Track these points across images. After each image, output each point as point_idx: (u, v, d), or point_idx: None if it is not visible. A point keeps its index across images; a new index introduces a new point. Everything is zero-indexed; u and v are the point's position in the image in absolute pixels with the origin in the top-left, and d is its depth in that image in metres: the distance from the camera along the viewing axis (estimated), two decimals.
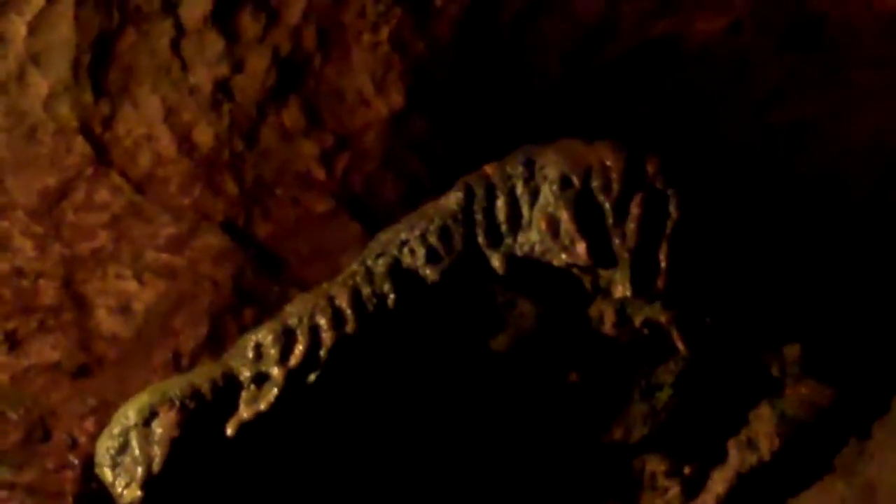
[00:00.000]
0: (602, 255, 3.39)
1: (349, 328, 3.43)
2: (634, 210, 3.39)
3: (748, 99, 3.75)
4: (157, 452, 3.33)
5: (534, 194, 3.46)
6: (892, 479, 3.20)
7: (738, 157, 3.70)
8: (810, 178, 3.70)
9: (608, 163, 3.43)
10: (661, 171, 3.41)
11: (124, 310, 3.76)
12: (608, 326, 3.44)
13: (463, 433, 3.53)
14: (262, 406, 3.38)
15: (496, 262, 3.46)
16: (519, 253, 3.47)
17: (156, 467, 3.32)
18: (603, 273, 3.40)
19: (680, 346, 3.39)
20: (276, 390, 3.38)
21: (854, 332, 3.46)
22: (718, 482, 3.41)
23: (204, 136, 3.72)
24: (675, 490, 3.45)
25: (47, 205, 3.72)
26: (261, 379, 3.41)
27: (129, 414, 3.39)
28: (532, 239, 3.45)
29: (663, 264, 3.36)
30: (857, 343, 3.45)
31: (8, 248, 3.72)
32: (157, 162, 3.73)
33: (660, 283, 3.36)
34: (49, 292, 3.74)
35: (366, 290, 3.47)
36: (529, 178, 3.48)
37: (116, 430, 3.39)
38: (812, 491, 3.31)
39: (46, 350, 3.75)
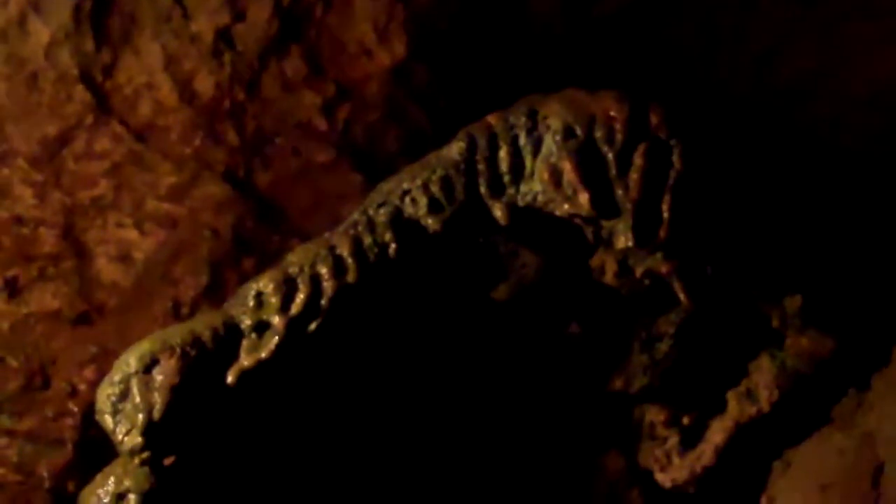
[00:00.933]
0: (605, 206, 3.39)
1: (350, 277, 3.43)
2: (638, 161, 3.38)
3: (748, 51, 3.74)
4: (158, 399, 3.33)
5: (537, 144, 3.45)
6: (891, 431, 3.21)
7: (739, 109, 3.70)
8: (810, 130, 3.69)
9: (612, 113, 3.42)
10: (664, 122, 3.40)
11: (124, 258, 3.75)
12: (610, 277, 3.45)
13: (463, 383, 3.54)
14: (263, 354, 3.38)
15: (498, 212, 3.46)
16: (521, 203, 3.47)
17: (156, 414, 3.33)
18: (605, 224, 3.40)
19: (681, 296, 3.39)
20: (276, 339, 3.38)
21: (854, 284, 3.47)
22: (717, 432, 3.42)
23: (205, 84, 3.70)
24: (674, 440, 3.46)
25: (48, 153, 3.71)
26: (262, 327, 3.41)
27: (130, 361, 3.39)
28: (534, 189, 3.45)
29: (666, 215, 3.36)
30: (857, 294, 3.45)
31: (8, 195, 3.71)
32: (158, 110, 3.71)
33: (662, 233, 3.36)
34: (49, 240, 3.73)
35: (367, 240, 3.47)
36: (532, 128, 3.48)
37: (117, 378, 3.39)
38: (811, 442, 3.33)
39: (47, 298, 3.73)
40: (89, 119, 3.70)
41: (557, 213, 3.42)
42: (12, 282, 3.74)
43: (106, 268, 3.75)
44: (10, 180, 3.71)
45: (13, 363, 3.73)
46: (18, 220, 3.73)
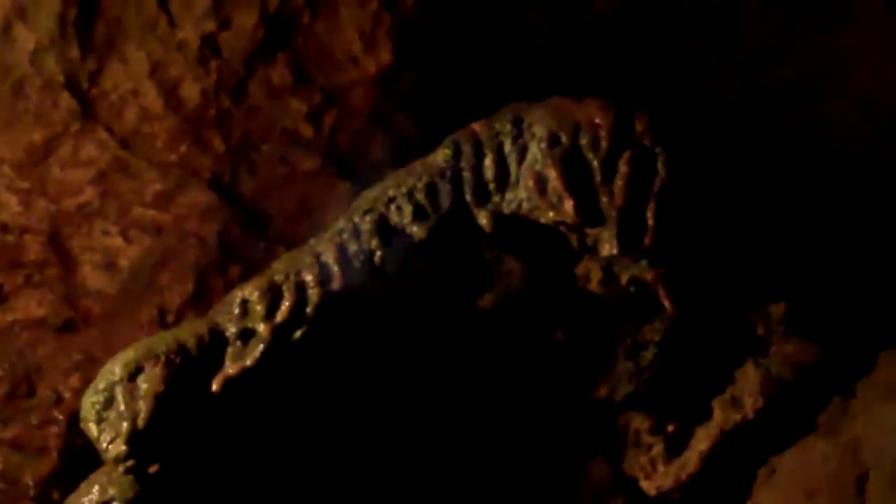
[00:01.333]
0: (589, 213, 3.38)
1: (335, 285, 3.43)
2: (622, 168, 3.38)
3: (739, 58, 3.74)
4: (143, 408, 3.33)
5: (522, 152, 3.45)
6: (876, 438, 3.20)
7: (727, 116, 3.69)
8: (801, 137, 3.69)
9: (597, 120, 3.42)
10: (649, 129, 3.40)
11: (110, 266, 3.74)
12: (594, 284, 3.44)
13: (448, 391, 3.53)
14: (248, 362, 3.37)
15: (483, 219, 3.45)
16: (506, 210, 3.47)
17: (141, 423, 3.32)
18: (590, 231, 3.40)
19: (666, 304, 3.38)
20: (261, 346, 3.38)
21: (839, 291, 3.46)
22: (702, 440, 3.41)
23: (190, 92, 3.70)
24: (659, 447, 3.46)
25: (33, 160, 3.70)
26: (247, 335, 3.40)
27: (115, 369, 3.39)
28: (520, 196, 3.45)
29: (651, 222, 3.35)
30: (841, 301, 3.44)
31: None
32: (144, 118, 3.70)
33: (647, 241, 3.36)
34: (34, 248, 3.72)
35: (353, 247, 3.47)
36: (517, 136, 3.48)
37: (102, 386, 3.39)
38: (795, 449, 3.32)
39: (32, 305, 3.73)
40: (75, 126, 3.69)
41: (542, 220, 3.42)
42: None
43: (91, 275, 3.74)
44: None
45: None
46: (4, 228, 3.72)
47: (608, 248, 3.36)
